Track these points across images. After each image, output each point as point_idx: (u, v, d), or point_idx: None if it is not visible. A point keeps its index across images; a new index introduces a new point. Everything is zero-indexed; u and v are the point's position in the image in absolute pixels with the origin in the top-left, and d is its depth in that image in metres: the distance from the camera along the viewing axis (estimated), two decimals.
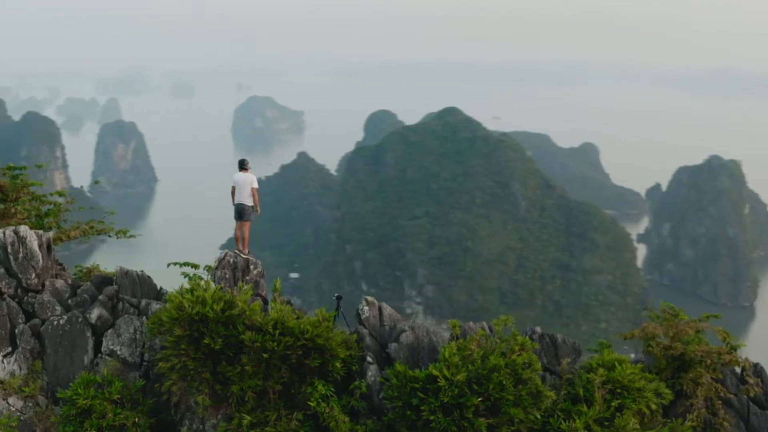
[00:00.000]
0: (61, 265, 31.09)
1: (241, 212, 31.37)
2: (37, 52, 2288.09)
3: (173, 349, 24.68)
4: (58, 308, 28.03)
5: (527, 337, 25.72)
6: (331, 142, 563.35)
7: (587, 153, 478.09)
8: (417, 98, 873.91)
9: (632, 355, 28.46)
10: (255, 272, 29.19)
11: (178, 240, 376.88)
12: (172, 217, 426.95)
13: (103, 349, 27.46)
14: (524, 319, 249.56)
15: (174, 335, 24.65)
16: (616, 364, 24.53)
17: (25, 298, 28.32)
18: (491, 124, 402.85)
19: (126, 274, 29.35)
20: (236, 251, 29.74)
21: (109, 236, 35.44)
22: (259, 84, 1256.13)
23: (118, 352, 27.29)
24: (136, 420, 25.22)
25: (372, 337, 26.10)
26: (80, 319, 27.50)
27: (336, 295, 28.22)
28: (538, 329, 27.17)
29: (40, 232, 29.41)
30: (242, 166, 31.45)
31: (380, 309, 27.23)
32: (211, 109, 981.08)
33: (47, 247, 29.39)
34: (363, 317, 26.79)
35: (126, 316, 27.73)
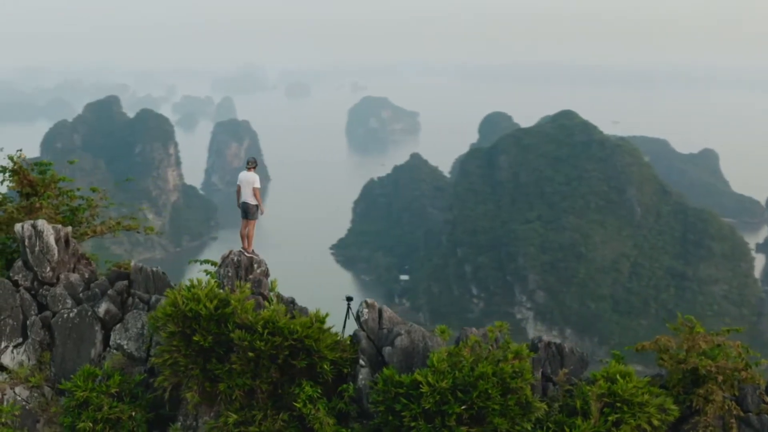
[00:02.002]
0: (87, 259, 32.13)
1: (245, 211, 31.84)
2: (155, 51, 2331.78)
3: (166, 345, 25.45)
4: (69, 301, 29.14)
5: (524, 345, 25.18)
6: (446, 144, 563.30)
7: (707, 159, 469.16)
8: (534, 101, 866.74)
9: (637, 368, 27.69)
10: (258, 271, 29.41)
11: (289, 239, 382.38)
12: (284, 217, 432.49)
13: (111, 343, 28.45)
14: (637, 327, 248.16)
15: (167, 331, 25.27)
16: (618, 377, 23.97)
17: (41, 290, 29.42)
18: (610, 129, 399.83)
19: (140, 270, 30.08)
20: (241, 249, 30.03)
21: (138, 232, 36.70)
22: (375, 84, 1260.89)
23: (125, 347, 28.23)
24: (133, 414, 26.15)
25: (369, 340, 26.17)
26: (89, 313, 28.60)
27: (347, 296, 28.38)
28: (545, 337, 27.31)
29: (59, 226, 30.53)
30: (248, 164, 31.84)
31: (380, 312, 27.12)
32: (325, 108, 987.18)
33: (65, 242, 30.43)
34: (362, 320, 26.74)
35: (135, 311, 28.65)
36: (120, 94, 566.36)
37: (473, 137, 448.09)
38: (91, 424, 25.61)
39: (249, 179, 31.49)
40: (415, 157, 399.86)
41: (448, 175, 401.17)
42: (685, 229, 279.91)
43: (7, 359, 28.47)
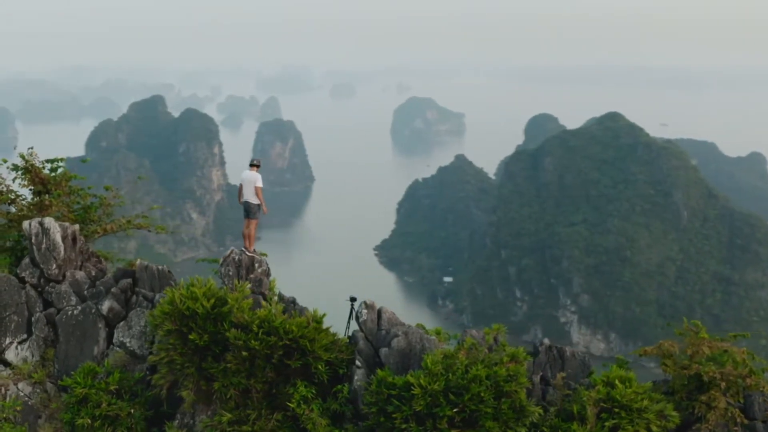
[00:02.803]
0: (97, 257, 32.65)
1: (247, 210, 31.77)
2: (202, 51, 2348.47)
3: (163, 343, 25.73)
4: (74, 299, 29.51)
5: (521, 348, 25.01)
6: (491, 145, 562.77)
7: (755, 163, 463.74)
8: (581, 102, 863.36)
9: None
10: (259, 270, 29.46)
11: (332, 240, 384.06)
12: (328, 217, 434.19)
13: (114, 341, 28.83)
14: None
15: (164, 329, 25.46)
16: (617, 382, 23.81)
17: (47, 287, 29.88)
18: (658, 131, 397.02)
19: (146, 268, 30.41)
20: (242, 248, 29.94)
21: (149, 231, 36.74)
22: (421, 85, 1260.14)
23: (128, 345, 28.58)
24: (132, 411, 26.44)
25: (367, 341, 26.08)
26: (93, 311, 28.96)
27: (350, 297, 27.98)
28: (546, 341, 27.34)
29: (66, 224, 30.92)
30: (251, 164, 32.01)
31: (379, 313, 26.93)
32: (370, 109, 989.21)
33: (72, 239, 30.82)
34: (361, 320, 26.61)
35: (138, 309, 28.94)
36: (165, 94, 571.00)
37: (519, 139, 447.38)
38: (89, 421, 26.04)
39: (251, 178, 31.52)
40: (460, 159, 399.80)
41: (493, 177, 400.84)
42: (732, 233, 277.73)
43: (11, 355, 28.99)
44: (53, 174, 34.19)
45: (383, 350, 25.40)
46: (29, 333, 29.32)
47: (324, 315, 26.26)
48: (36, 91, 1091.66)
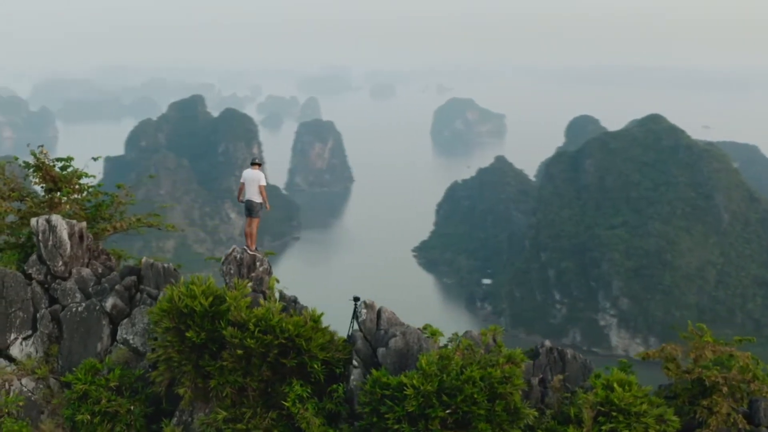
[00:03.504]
0: (107, 255, 33.09)
1: (250, 209, 31.93)
2: (243, 50, 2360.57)
3: (161, 341, 25.94)
4: (78, 295, 29.91)
5: (518, 349, 24.80)
6: (532, 147, 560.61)
7: None
8: (622, 104, 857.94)
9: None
10: (261, 269, 29.57)
11: (371, 240, 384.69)
12: (367, 218, 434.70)
13: (117, 338, 29.18)
14: (722, 337, 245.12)
15: (162, 326, 25.68)
16: (616, 385, 23.54)
17: (53, 284, 30.23)
18: (700, 134, 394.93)
19: (151, 266, 30.72)
20: (244, 247, 30.02)
21: (159, 229, 37.07)
22: (461, 85, 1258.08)
23: (131, 342, 28.91)
24: (131, 408, 26.78)
25: (366, 341, 26.13)
26: (97, 307, 29.30)
27: (354, 297, 27.60)
28: (547, 343, 27.52)
29: (73, 221, 31.21)
30: (252, 162, 32.37)
31: (379, 312, 26.92)
32: (410, 110, 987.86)
33: (79, 237, 31.13)
34: (360, 320, 26.66)
35: (142, 306, 29.23)
36: (205, 94, 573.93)
37: (560, 140, 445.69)
38: (89, 417, 26.43)
39: (254, 177, 31.74)
40: (500, 160, 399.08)
41: (534, 179, 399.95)
42: None
43: (15, 351, 29.37)
44: (64, 172, 34.52)
45: (380, 350, 25.42)
46: (34, 329, 29.73)
47: (322, 314, 26.23)
48: (77, 90, 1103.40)
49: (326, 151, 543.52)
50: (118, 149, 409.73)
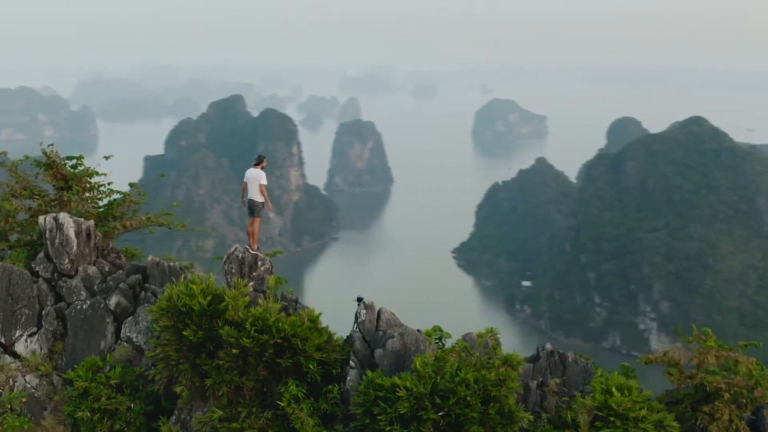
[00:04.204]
0: (117, 253, 33.54)
1: (251, 208, 32.15)
2: (284, 50, 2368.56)
3: (159, 339, 25.96)
4: (84, 293, 30.10)
5: (515, 352, 24.66)
6: (574, 148, 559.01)
7: None
8: (665, 106, 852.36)
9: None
10: (262, 268, 29.55)
11: (411, 241, 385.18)
12: (406, 219, 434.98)
13: (121, 336, 29.33)
14: (764, 341, 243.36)
15: (160, 325, 25.74)
16: (614, 389, 23.04)
17: (59, 282, 30.46)
18: (743, 136, 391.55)
19: (157, 264, 30.85)
20: (246, 246, 30.15)
21: (170, 228, 36.91)
22: (504, 86, 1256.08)
23: (135, 340, 29.06)
24: (131, 406, 27.00)
25: (364, 342, 26.06)
26: (102, 305, 29.44)
27: (357, 297, 27.38)
28: (549, 345, 27.02)
29: (81, 220, 31.40)
30: (255, 162, 32.47)
31: (379, 313, 26.74)
32: (452, 110, 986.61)
33: (86, 235, 31.36)
34: (359, 320, 26.47)
35: (146, 304, 29.19)
36: (246, 94, 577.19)
37: (601, 142, 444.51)
38: (89, 414, 26.67)
39: (255, 176, 31.94)
40: (541, 162, 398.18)
41: (575, 181, 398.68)
42: None
43: (20, 347, 29.61)
44: (74, 170, 34.62)
45: (377, 351, 25.38)
46: (39, 326, 29.99)
47: (320, 314, 26.18)
48: (119, 90, 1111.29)
49: (366, 152, 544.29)
50: (158, 148, 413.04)
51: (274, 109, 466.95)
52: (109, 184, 35.73)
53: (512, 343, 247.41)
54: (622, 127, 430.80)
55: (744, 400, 25.21)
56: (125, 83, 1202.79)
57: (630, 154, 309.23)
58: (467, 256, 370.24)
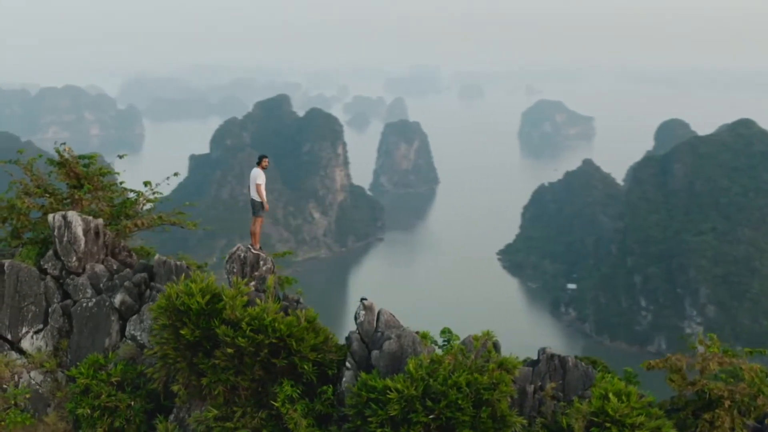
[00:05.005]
0: (128, 251, 33.74)
1: (252, 208, 32.21)
2: (330, 50, 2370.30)
3: (158, 337, 26.10)
4: (90, 291, 30.43)
5: (513, 356, 24.66)
6: (621, 150, 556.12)
7: None
8: (713, 108, 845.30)
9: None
10: (264, 268, 29.45)
11: (456, 242, 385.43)
12: (451, 219, 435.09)
13: (126, 334, 29.68)
14: None
15: (159, 323, 25.94)
16: (611, 395, 22.79)
17: (67, 279, 30.85)
18: None
19: (164, 263, 31.03)
20: (248, 246, 30.12)
21: (182, 227, 36.66)
22: (551, 87, 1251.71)
23: (139, 338, 29.34)
24: (131, 403, 27.31)
25: (362, 343, 26.09)
26: (107, 303, 29.83)
27: (361, 298, 27.47)
28: (549, 349, 26.81)
29: (89, 218, 31.70)
30: (257, 161, 32.04)
31: (378, 314, 26.75)
32: (498, 111, 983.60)
33: (95, 233, 31.64)
34: (358, 321, 26.51)
35: (151, 303, 29.06)
36: (292, 93, 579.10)
37: (649, 144, 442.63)
38: (89, 411, 27.02)
39: (253, 176, 31.79)
40: (588, 163, 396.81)
41: (621, 183, 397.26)
42: None
43: (26, 344, 30.07)
44: (86, 169, 35.05)
45: (374, 352, 25.35)
46: (45, 323, 30.36)
47: (317, 315, 26.18)
48: (165, 89, 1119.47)
49: (412, 152, 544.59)
50: (204, 147, 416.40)
51: (320, 108, 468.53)
52: (121, 183, 36.40)
53: (556, 346, 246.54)
54: (669, 129, 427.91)
55: (745, 408, 25.06)
56: (171, 82, 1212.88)
57: (677, 157, 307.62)
58: (512, 257, 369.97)
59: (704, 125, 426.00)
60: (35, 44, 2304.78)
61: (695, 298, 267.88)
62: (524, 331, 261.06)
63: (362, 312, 26.60)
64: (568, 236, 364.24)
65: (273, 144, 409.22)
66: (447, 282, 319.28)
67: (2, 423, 27.76)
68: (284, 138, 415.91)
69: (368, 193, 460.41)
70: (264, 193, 31.39)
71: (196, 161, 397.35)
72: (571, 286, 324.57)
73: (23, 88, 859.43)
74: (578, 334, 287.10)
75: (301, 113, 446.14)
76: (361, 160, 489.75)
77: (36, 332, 30.25)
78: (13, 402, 28.18)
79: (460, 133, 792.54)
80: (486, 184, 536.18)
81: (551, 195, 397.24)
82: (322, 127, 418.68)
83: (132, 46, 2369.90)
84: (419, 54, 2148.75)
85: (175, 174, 37.48)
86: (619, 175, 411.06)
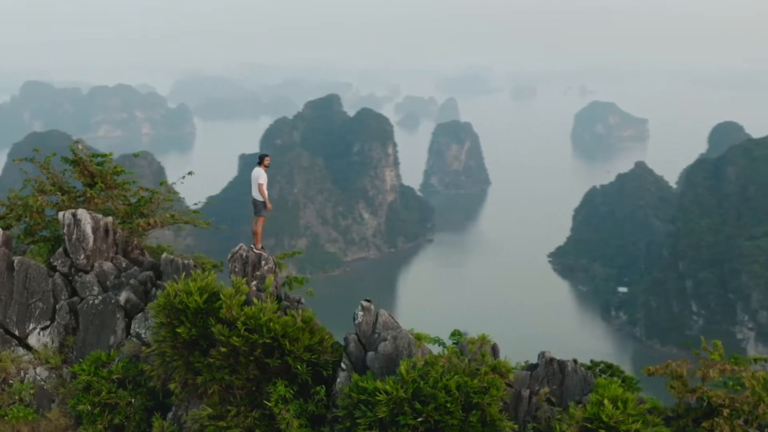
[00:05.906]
0: (141, 250, 34.15)
1: (254, 207, 32.00)
2: (382, 50, 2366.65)
3: (156, 336, 26.52)
4: (96, 288, 30.78)
5: (506, 360, 25.01)
6: (674, 153, 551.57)
7: None
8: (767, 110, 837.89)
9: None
10: (266, 268, 29.63)
11: (506, 244, 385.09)
12: (502, 221, 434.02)
13: (131, 332, 29.98)
14: None
15: (157, 322, 26.34)
16: (606, 401, 22.63)
17: (75, 277, 31.34)
18: None
19: (171, 261, 31.18)
20: (250, 245, 30.31)
21: (195, 225, 36.74)
22: (604, 88, 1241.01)
23: (143, 336, 29.54)
24: (132, 400, 27.74)
25: (359, 344, 26.28)
26: (113, 301, 30.14)
27: (365, 299, 27.59)
28: (548, 353, 26.56)
29: (99, 216, 32.09)
30: (258, 160, 32.04)
31: (377, 316, 26.90)
32: (551, 112, 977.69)
33: (104, 231, 32.09)
34: (356, 322, 26.69)
35: (156, 301, 28.44)
36: (342, 93, 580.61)
37: (703, 146, 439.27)
38: (89, 407, 27.48)
39: (254, 175, 31.65)
40: (640, 166, 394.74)
41: (674, 186, 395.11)
42: None
43: (33, 340, 30.57)
44: (99, 168, 35.52)
45: (369, 354, 25.62)
46: (53, 320, 30.80)
47: (314, 315, 26.36)
48: (216, 88, 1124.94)
49: (463, 153, 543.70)
50: (254, 147, 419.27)
51: (370, 108, 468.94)
52: (134, 182, 36.82)
53: (607, 350, 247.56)
54: (723, 132, 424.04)
55: (746, 418, 24.98)
56: (222, 81, 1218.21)
57: (731, 160, 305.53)
58: (563, 260, 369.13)
59: (760, 128, 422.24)
60: (88, 43, 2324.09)
61: (747, 303, 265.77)
62: (574, 335, 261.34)
63: (360, 313, 26.85)
64: (619, 239, 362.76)
65: (323, 144, 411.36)
66: (496, 284, 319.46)
67: (6, 417, 28.22)
68: (334, 138, 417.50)
69: (418, 193, 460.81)
70: (266, 192, 31.48)
71: (246, 161, 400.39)
72: (622, 289, 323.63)
73: (75, 86, 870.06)
74: (629, 338, 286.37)
75: (351, 113, 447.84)
76: (412, 161, 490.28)
77: (43, 328, 30.77)
78: (17, 397, 28.77)
79: (512, 133, 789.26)
80: (537, 185, 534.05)
81: (603, 197, 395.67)
82: (373, 127, 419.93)
83: (184, 45, 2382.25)
84: (472, 54, 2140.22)
85: (190, 173, 37.59)
86: (672, 177, 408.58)
